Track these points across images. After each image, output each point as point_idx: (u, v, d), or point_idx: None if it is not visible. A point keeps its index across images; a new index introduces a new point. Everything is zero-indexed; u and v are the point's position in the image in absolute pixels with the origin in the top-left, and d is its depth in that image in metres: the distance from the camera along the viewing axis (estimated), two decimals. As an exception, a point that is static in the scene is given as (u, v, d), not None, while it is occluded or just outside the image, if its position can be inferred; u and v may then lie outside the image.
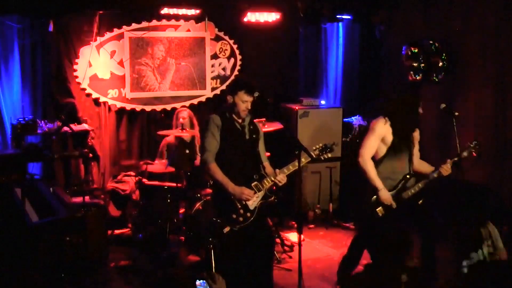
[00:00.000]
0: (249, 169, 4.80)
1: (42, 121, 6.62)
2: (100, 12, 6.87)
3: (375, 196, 5.04)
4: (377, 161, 5.10)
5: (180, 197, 6.50)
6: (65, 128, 6.23)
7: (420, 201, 5.13)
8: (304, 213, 7.39)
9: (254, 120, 4.98)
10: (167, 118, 7.18)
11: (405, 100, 5.18)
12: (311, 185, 7.54)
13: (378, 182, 5.01)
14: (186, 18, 7.28)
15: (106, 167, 7.15)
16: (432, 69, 6.88)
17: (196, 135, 6.64)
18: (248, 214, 4.71)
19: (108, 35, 7.03)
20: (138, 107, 7.29)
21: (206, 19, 7.41)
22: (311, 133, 7.37)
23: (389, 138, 5.06)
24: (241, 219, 4.69)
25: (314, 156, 4.83)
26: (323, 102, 7.90)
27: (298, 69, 8.32)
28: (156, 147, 7.14)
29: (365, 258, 5.36)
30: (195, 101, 7.57)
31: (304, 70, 8.39)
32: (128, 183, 6.93)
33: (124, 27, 7.09)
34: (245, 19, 7.27)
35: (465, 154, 5.05)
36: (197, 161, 6.53)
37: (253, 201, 4.73)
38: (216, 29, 7.59)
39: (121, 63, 7.13)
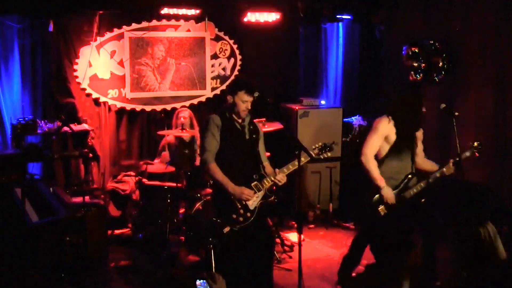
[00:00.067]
0: (249, 169, 4.79)
1: (42, 121, 6.62)
2: (100, 12, 6.87)
3: (377, 195, 5.04)
4: (380, 161, 5.10)
5: (180, 197, 6.49)
6: (65, 128, 6.22)
7: (423, 200, 5.13)
8: (304, 213, 7.38)
9: (254, 120, 4.97)
10: (167, 118, 7.18)
11: (409, 99, 5.18)
12: (311, 185, 7.54)
13: (380, 181, 5.01)
14: (186, 18, 7.29)
15: (106, 167, 7.15)
16: (432, 69, 6.87)
17: (196, 135, 6.64)
18: (248, 214, 4.71)
19: (108, 35, 7.03)
20: (138, 107, 7.29)
21: (206, 19, 7.41)
22: (311, 133, 7.36)
23: (392, 137, 5.06)
24: (241, 219, 4.68)
25: (314, 155, 4.82)
26: (323, 102, 7.89)
27: (298, 69, 8.32)
28: (156, 147, 7.14)
29: (365, 258, 5.37)
30: (195, 101, 7.57)
31: (304, 70, 8.39)
32: (128, 183, 6.94)
33: (124, 27, 7.09)
34: (245, 19, 7.28)
35: (467, 154, 5.02)
36: (197, 161, 6.53)
37: (253, 201, 4.72)
38: (216, 29, 7.59)
39: (121, 63, 7.13)
